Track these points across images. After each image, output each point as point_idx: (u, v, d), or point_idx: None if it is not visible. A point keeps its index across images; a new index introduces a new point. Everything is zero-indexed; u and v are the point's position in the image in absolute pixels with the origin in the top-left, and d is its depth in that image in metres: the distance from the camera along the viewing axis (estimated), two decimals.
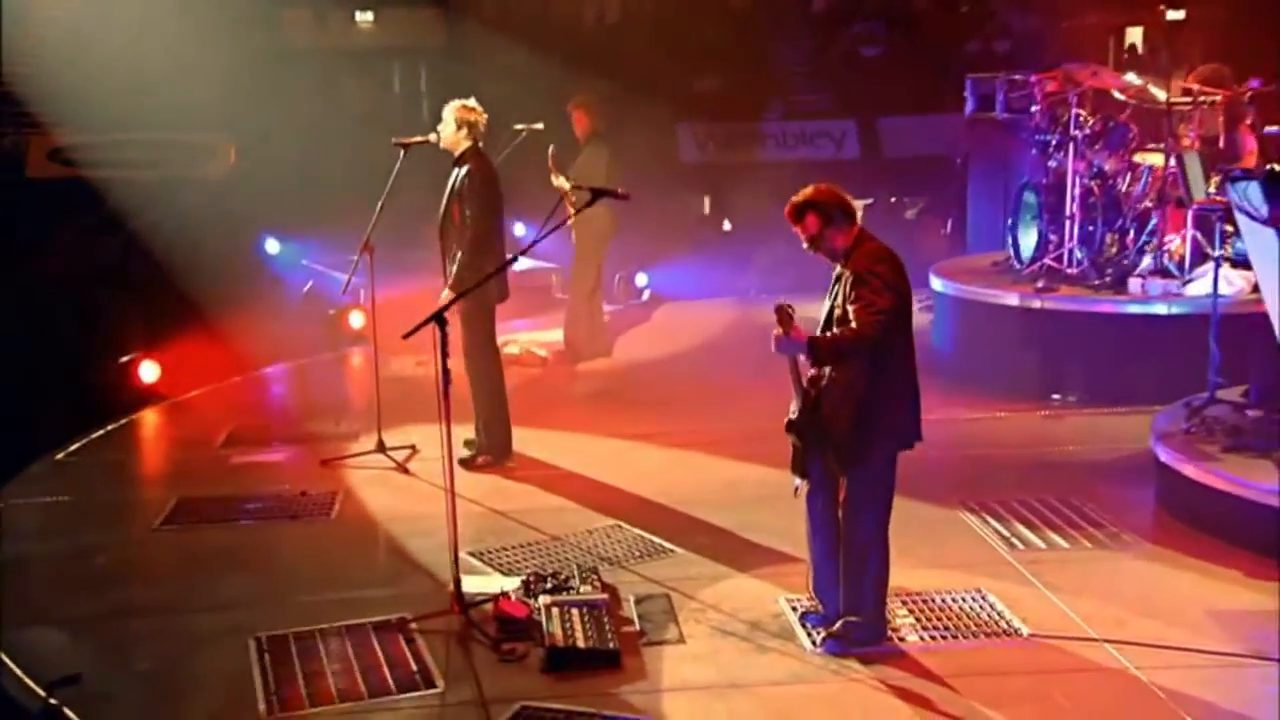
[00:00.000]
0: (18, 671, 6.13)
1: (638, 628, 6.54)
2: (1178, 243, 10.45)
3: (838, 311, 6.05)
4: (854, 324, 5.87)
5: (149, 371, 10.72)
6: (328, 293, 12.50)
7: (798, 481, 6.25)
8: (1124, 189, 10.85)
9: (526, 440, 9.28)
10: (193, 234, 13.37)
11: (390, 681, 6.04)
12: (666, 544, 7.62)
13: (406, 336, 6.61)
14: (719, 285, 14.71)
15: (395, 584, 7.21)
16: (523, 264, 14.67)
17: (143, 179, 14.60)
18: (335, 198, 13.79)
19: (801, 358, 5.92)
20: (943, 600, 6.75)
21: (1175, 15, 16.42)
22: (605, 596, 6.66)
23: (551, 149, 10.80)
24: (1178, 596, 6.83)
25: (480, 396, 8.96)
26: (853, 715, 5.76)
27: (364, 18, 18.05)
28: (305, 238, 14.69)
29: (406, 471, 8.94)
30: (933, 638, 6.37)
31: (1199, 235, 10.18)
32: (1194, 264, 10.26)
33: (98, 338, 11.47)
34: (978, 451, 9.26)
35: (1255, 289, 9.59)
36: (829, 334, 6.01)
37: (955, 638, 6.38)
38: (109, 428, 10.04)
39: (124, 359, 10.80)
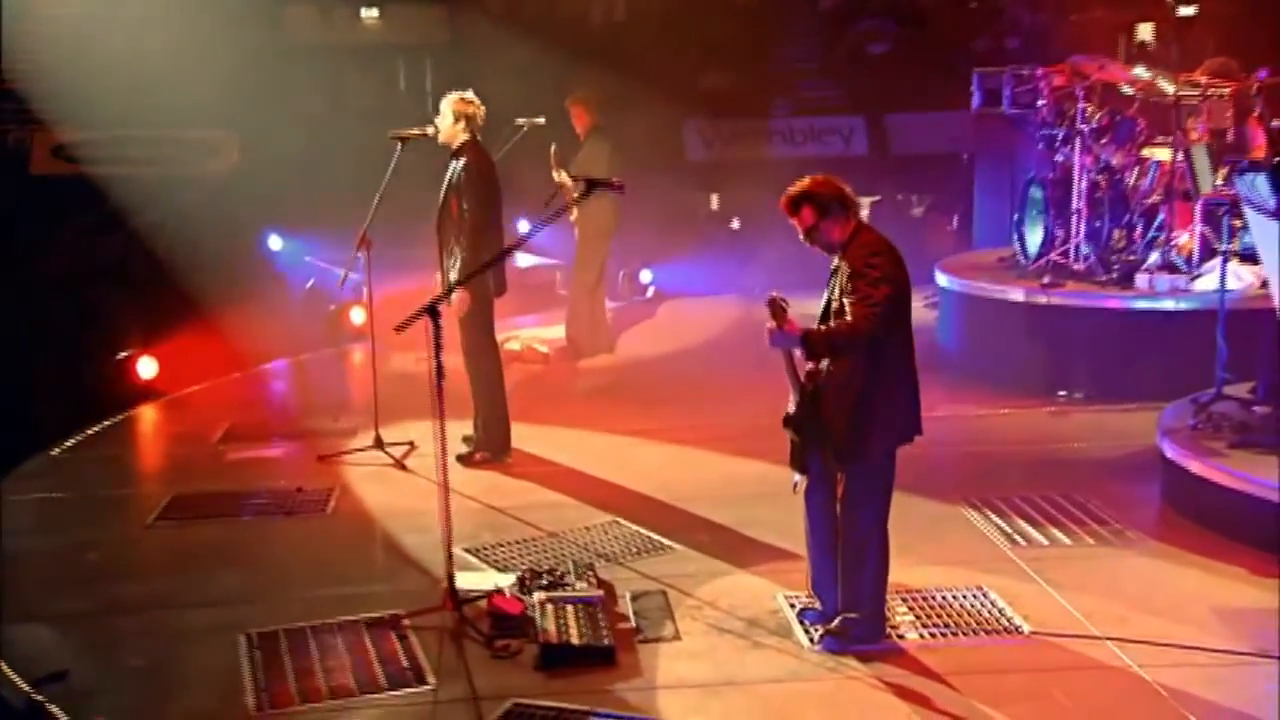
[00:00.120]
0: (4, 668, 6.06)
1: (633, 624, 6.46)
2: (1186, 238, 10.34)
3: (835, 305, 5.97)
4: (849, 317, 5.78)
5: (147, 367, 10.66)
6: (330, 289, 12.43)
7: (797, 477, 6.17)
8: (1131, 184, 10.74)
9: (525, 436, 9.20)
10: (196, 230, 13.33)
11: (381, 678, 5.97)
12: (664, 540, 7.54)
13: (399, 329, 6.55)
14: (724, 282, 14.62)
15: (390, 580, 7.15)
16: (527, 260, 14.70)
17: (147, 175, 14.59)
18: (339, 194, 13.72)
19: (797, 351, 5.84)
20: (943, 597, 6.65)
21: (1187, 11, 16.29)
22: (601, 593, 6.59)
23: (554, 147, 10.73)
24: (1182, 594, 6.73)
25: (479, 392, 8.89)
26: (849, 713, 5.67)
27: (369, 14, 17.98)
28: (309, 234, 14.63)
29: (404, 468, 8.88)
30: (932, 635, 6.29)
31: (1207, 230, 10.07)
32: (1202, 259, 10.14)
33: (98, 334, 11.42)
34: (982, 448, 9.17)
35: (1264, 284, 9.50)
36: (823, 327, 5.92)
37: (955, 635, 6.29)
38: (105, 424, 10.00)
39: (121, 355, 10.73)
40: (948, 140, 16.34)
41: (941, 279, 11.62)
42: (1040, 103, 11.35)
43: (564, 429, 9.75)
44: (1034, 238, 11.19)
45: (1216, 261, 9.19)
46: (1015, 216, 11.55)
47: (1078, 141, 10.70)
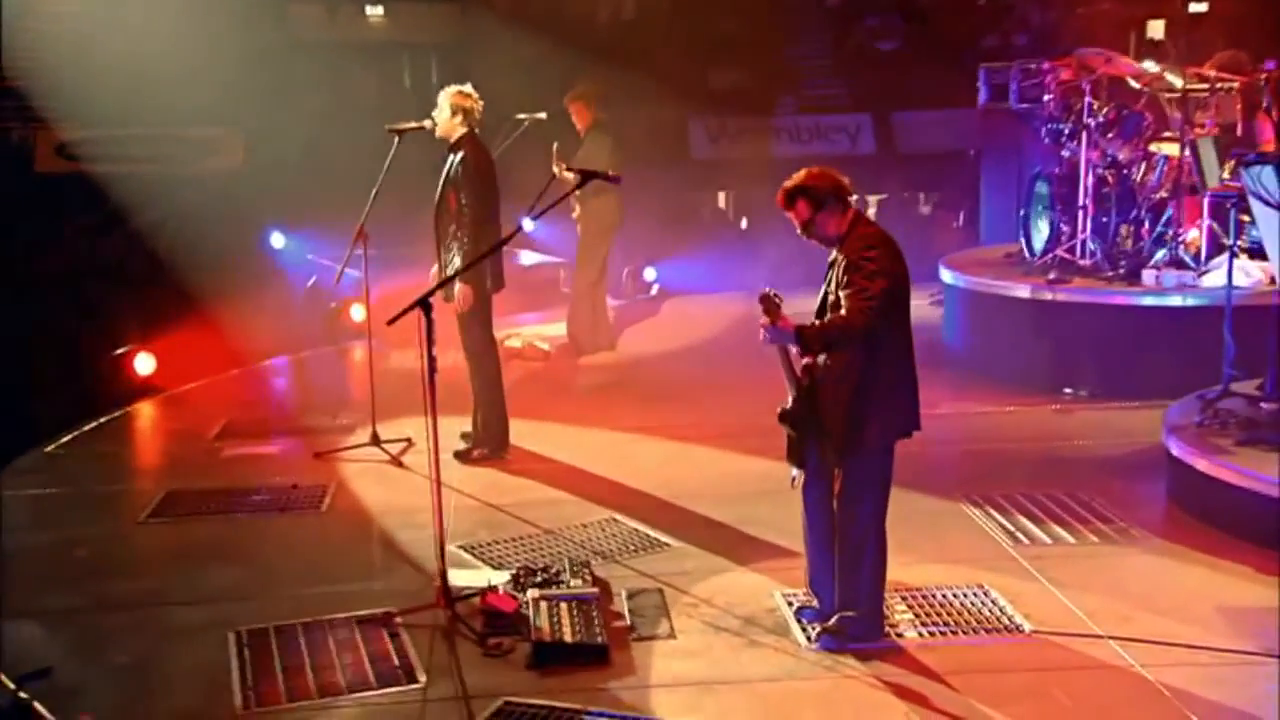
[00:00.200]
0: None
1: (628, 622, 6.38)
2: (1194, 234, 10.22)
3: (831, 298, 5.88)
4: (844, 311, 5.69)
5: (144, 364, 10.59)
6: (331, 286, 12.36)
7: (794, 471, 6.09)
8: (1139, 179, 10.63)
9: (524, 433, 9.12)
10: (198, 228, 13.25)
11: (371, 676, 5.90)
12: (662, 538, 7.46)
13: (390, 322, 6.52)
14: (729, 280, 14.52)
15: (383, 578, 7.08)
16: (531, 258, 14.63)
17: (151, 173, 14.51)
18: (343, 192, 13.64)
19: (793, 346, 5.75)
20: (943, 596, 6.56)
21: (1198, 7, 16.20)
22: (596, 591, 6.51)
23: (555, 145, 10.66)
24: (1186, 592, 6.62)
25: (478, 389, 8.81)
26: (845, 712, 5.58)
27: (374, 11, 17.89)
28: (312, 232, 14.55)
29: (401, 464, 8.81)
30: (932, 634, 6.19)
31: (1215, 225, 9.95)
32: (1210, 255, 10.03)
33: (98, 332, 11.35)
34: (985, 446, 9.07)
35: (1273, 280, 9.39)
36: (817, 322, 5.84)
37: (955, 634, 6.20)
38: (101, 420, 9.94)
39: (118, 351, 10.66)
40: (955, 138, 16.22)
41: (946, 275, 11.52)
42: (1047, 97, 11.23)
43: (564, 426, 9.67)
44: (1040, 234, 11.09)
45: (1225, 257, 9.06)
46: (1021, 212, 11.44)
47: (1084, 136, 10.59)
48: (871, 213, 14.23)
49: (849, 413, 5.81)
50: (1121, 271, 10.39)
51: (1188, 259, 10.17)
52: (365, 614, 6.45)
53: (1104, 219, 10.61)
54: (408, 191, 9.11)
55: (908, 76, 17.29)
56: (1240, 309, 8.41)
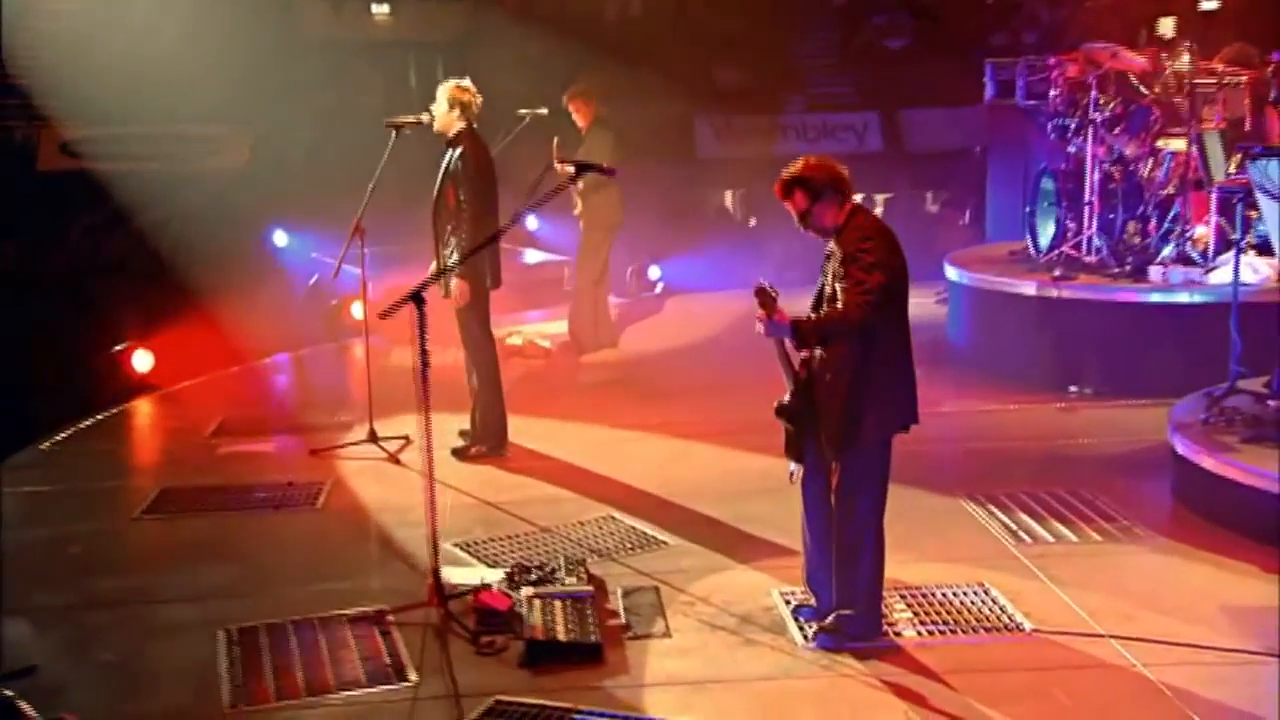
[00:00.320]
0: None
1: (623, 621, 6.31)
2: (1202, 230, 10.10)
3: (828, 290, 5.80)
4: (841, 304, 5.60)
5: (142, 361, 10.54)
6: (334, 284, 12.30)
7: (793, 466, 6.01)
8: (1146, 175, 10.51)
9: (523, 431, 9.06)
10: (203, 226, 13.21)
11: (361, 674, 5.83)
12: (660, 535, 7.39)
13: (384, 316, 6.45)
14: (733, 278, 14.42)
15: (377, 575, 7.00)
16: (535, 256, 14.56)
17: (156, 171, 14.47)
18: (348, 190, 13.58)
19: (789, 340, 5.67)
20: (943, 594, 6.47)
21: (1209, 5, 16.09)
22: (590, 589, 6.44)
23: (556, 139, 10.59)
24: (1190, 591, 6.52)
25: (476, 386, 8.74)
26: (841, 711, 5.49)
27: (380, 9, 17.84)
28: (315, 230, 14.50)
29: (398, 462, 8.74)
30: (931, 633, 6.10)
31: (1223, 221, 9.84)
32: (1218, 251, 9.91)
33: (97, 329, 11.30)
34: (988, 444, 8.97)
35: None
36: (813, 316, 5.75)
37: (954, 633, 6.11)
38: (98, 417, 9.89)
39: (116, 348, 10.61)
40: (963, 136, 16.12)
41: (951, 272, 11.42)
42: (1053, 92, 11.13)
43: (563, 423, 9.61)
44: (1046, 230, 10.98)
45: (1232, 253, 8.95)
46: (1027, 209, 11.34)
47: (1090, 132, 10.49)
48: (879, 211, 14.12)
49: (846, 406, 5.72)
50: (1128, 268, 10.28)
51: (1195, 255, 10.06)
52: (357, 612, 6.39)
53: (1110, 215, 10.51)
54: (407, 187, 9.03)
55: (916, 74, 17.20)
56: (1247, 305, 8.30)
